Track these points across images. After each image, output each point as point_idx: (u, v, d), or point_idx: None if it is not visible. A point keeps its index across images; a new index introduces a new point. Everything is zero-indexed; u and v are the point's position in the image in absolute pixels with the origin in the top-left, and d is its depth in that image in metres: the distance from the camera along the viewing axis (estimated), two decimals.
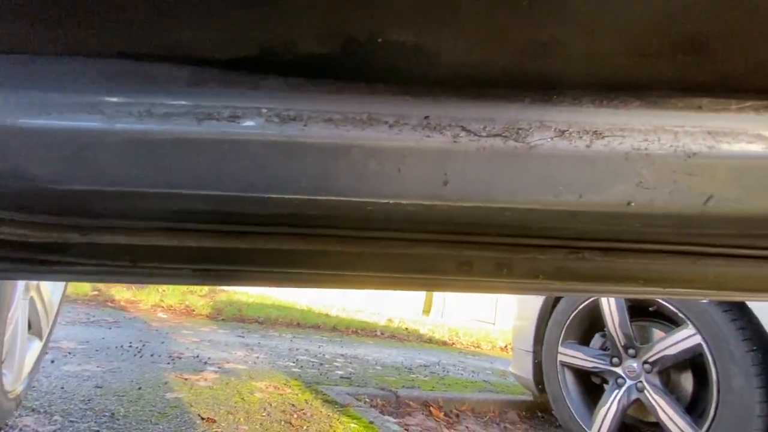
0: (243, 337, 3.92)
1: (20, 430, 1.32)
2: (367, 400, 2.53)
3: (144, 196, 0.26)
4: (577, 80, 0.25)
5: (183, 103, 0.24)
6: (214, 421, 1.62)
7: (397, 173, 0.25)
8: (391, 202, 0.26)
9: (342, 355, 3.79)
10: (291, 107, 0.24)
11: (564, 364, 2.44)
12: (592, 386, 2.42)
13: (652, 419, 2.09)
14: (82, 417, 1.48)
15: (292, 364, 3.13)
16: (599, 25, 0.21)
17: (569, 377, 2.45)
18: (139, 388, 1.91)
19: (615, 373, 2.22)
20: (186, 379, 2.19)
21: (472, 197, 0.25)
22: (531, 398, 2.91)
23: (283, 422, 1.76)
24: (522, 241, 0.33)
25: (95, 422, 1.45)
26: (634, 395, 2.13)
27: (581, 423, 2.29)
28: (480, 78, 0.24)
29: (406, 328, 6.27)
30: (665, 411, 1.99)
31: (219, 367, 2.61)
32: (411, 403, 2.71)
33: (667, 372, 2.11)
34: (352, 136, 0.24)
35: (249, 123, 0.24)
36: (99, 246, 0.34)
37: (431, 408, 2.70)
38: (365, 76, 0.25)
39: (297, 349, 3.71)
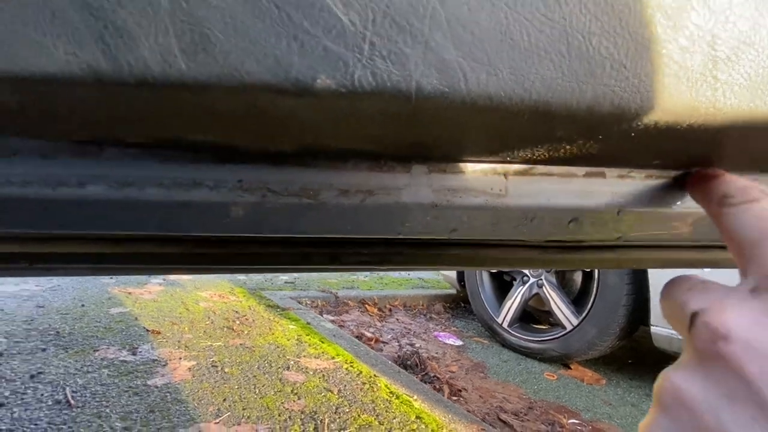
0: None
1: None
2: (308, 302, 2.80)
3: (19, 234, 0.34)
4: (353, 154, 0.34)
5: (38, 172, 0.30)
6: (159, 333, 1.77)
7: (224, 219, 0.34)
8: (218, 235, 0.35)
9: None
10: (129, 174, 0.32)
11: None
12: (502, 283, 2.82)
13: (547, 309, 2.51)
14: (27, 337, 1.57)
15: None
16: (342, 136, 0.30)
17: (485, 275, 2.82)
18: (82, 305, 2.00)
19: (522, 272, 2.59)
20: (130, 294, 2.30)
21: (279, 232, 0.35)
22: (455, 292, 3.33)
23: (225, 328, 1.96)
24: (347, 239, 0.44)
25: (41, 341, 1.55)
26: (535, 290, 2.53)
27: (491, 312, 2.71)
28: (279, 153, 0.33)
29: None
30: (556, 302, 2.39)
31: (163, 279, 2.72)
32: (349, 302, 3.03)
33: (562, 271, 2.49)
34: (179, 197, 0.32)
35: (94, 188, 0.31)
36: None
37: (367, 305, 3.04)
38: (190, 148, 0.32)
39: None
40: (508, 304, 2.62)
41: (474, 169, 0.36)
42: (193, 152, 0.32)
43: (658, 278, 2.00)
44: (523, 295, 2.57)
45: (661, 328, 1.98)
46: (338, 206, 0.34)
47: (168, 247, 0.42)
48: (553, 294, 2.42)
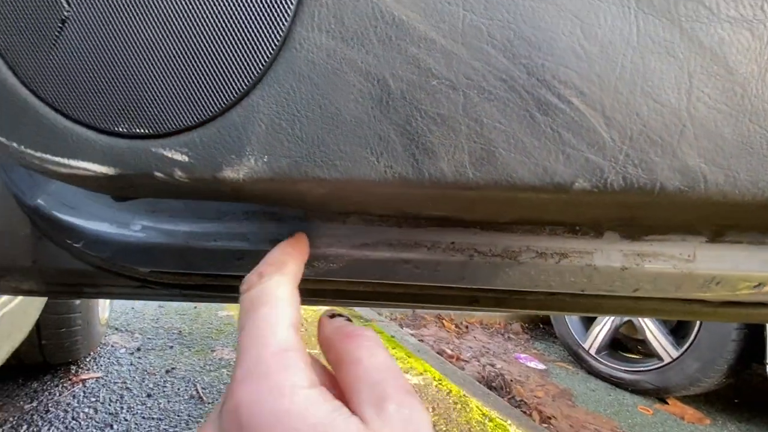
0: None
1: (111, 346, 1.64)
2: (388, 314, 2.87)
3: None
4: (551, 221, 0.38)
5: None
6: None
7: (434, 272, 0.40)
8: (427, 284, 0.41)
9: None
10: (367, 236, 0.39)
11: None
12: None
13: (640, 337, 2.36)
14: (156, 334, 1.79)
15: None
16: (552, 212, 0.34)
17: None
18: (195, 307, 2.23)
19: None
20: None
21: (479, 285, 0.41)
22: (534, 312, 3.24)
23: None
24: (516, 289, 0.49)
25: (168, 339, 1.76)
26: (627, 316, 2.40)
27: (577, 337, 2.60)
28: (487, 222, 0.38)
29: None
30: (652, 331, 2.25)
31: None
32: (426, 316, 3.06)
33: None
34: (403, 255, 0.39)
35: (337, 247, 0.39)
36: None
37: (444, 321, 3.05)
38: (414, 218, 0.39)
39: None
40: (596, 329, 2.50)
41: (666, 236, 0.39)
42: (416, 219, 0.38)
43: None
44: (613, 321, 2.44)
45: None
46: (535, 266, 0.39)
47: (361, 287, 0.49)
48: (649, 322, 2.27)
